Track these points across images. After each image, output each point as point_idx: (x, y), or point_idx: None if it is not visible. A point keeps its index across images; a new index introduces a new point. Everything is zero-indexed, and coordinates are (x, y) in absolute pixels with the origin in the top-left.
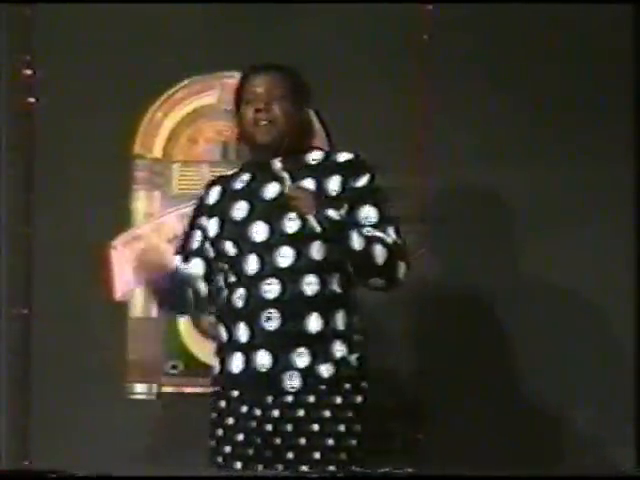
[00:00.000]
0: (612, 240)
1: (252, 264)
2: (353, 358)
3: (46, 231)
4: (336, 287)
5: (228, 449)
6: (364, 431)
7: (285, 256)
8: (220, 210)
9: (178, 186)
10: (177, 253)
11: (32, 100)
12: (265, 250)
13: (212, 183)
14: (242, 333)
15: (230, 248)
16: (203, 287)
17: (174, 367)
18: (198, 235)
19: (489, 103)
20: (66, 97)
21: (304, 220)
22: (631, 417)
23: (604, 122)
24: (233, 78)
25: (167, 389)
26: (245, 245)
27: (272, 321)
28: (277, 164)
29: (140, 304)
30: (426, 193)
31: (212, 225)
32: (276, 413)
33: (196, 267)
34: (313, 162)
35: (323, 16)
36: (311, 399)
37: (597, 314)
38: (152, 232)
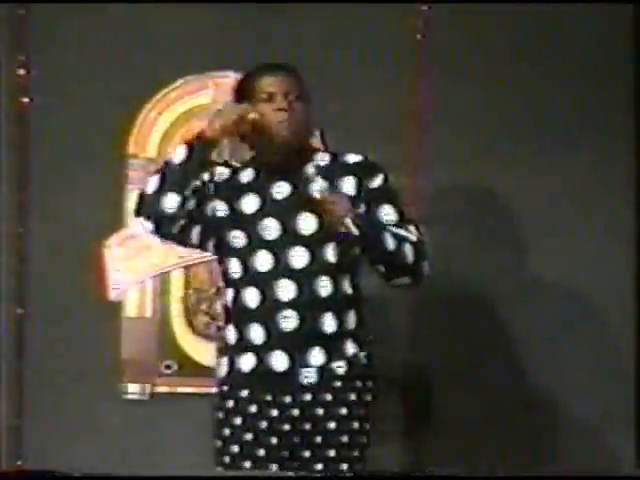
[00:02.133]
0: (612, 240)
1: (264, 261)
2: (362, 356)
3: (40, 231)
4: (347, 288)
5: (236, 449)
6: (371, 430)
7: (299, 257)
8: (226, 196)
9: None
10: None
11: (26, 100)
12: (277, 248)
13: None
14: (256, 334)
15: (239, 239)
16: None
17: (168, 367)
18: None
19: (484, 103)
20: (60, 97)
21: (320, 221)
22: (631, 417)
23: (603, 121)
24: (227, 78)
25: (161, 389)
26: (255, 239)
27: (289, 322)
28: (310, 169)
29: (134, 304)
30: (420, 193)
31: (218, 206)
32: (295, 412)
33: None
34: (322, 164)
35: (317, 16)
36: (328, 397)
37: (597, 314)
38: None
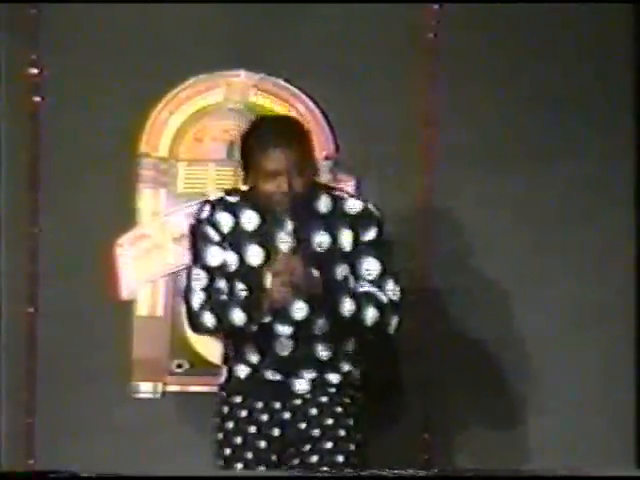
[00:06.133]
0: (613, 240)
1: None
2: (357, 373)
3: (52, 230)
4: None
5: (228, 451)
6: (366, 432)
7: (300, 308)
8: (235, 245)
9: (184, 185)
10: (195, 263)
11: (38, 99)
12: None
13: (215, 206)
14: (253, 355)
15: (242, 290)
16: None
17: (179, 366)
18: (219, 252)
19: (494, 102)
20: (72, 96)
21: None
22: (631, 417)
23: (606, 122)
24: (238, 77)
25: (172, 388)
26: (257, 291)
27: (284, 349)
28: (289, 226)
29: (146, 303)
30: (430, 191)
31: (229, 258)
32: (286, 415)
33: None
34: (324, 211)
35: (328, 15)
36: (323, 399)
37: (597, 314)
38: (158, 231)
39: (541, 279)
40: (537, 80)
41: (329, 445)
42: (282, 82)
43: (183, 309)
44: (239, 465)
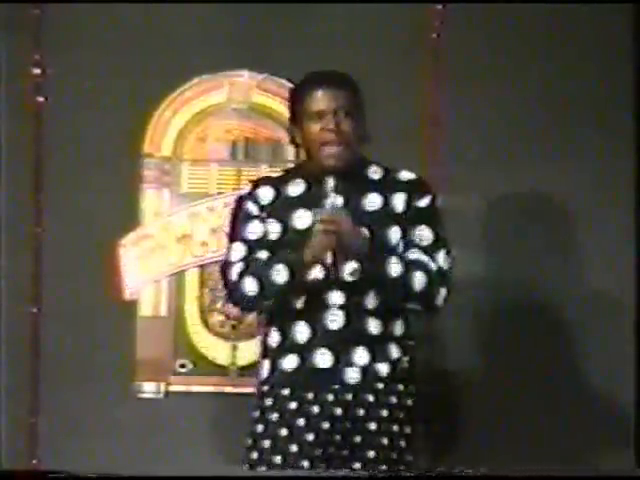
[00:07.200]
0: (614, 239)
1: (314, 273)
2: (405, 360)
3: (55, 230)
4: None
5: (267, 444)
6: (412, 434)
7: (351, 270)
8: (277, 214)
9: (187, 185)
10: (233, 239)
11: (41, 99)
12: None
13: (258, 182)
14: (301, 333)
15: (290, 255)
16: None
17: (182, 366)
18: (258, 226)
19: (497, 102)
20: (75, 96)
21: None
22: (631, 417)
23: (607, 122)
24: (241, 77)
25: (175, 388)
26: (302, 249)
27: (335, 322)
28: (330, 183)
29: (149, 303)
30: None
31: (271, 228)
32: (338, 411)
33: (263, 257)
34: (375, 177)
35: (332, 15)
36: (370, 398)
37: (599, 314)
38: (161, 231)
39: (542, 278)
40: (539, 80)
41: (371, 454)
42: (285, 82)
43: (222, 288)
44: (278, 458)
